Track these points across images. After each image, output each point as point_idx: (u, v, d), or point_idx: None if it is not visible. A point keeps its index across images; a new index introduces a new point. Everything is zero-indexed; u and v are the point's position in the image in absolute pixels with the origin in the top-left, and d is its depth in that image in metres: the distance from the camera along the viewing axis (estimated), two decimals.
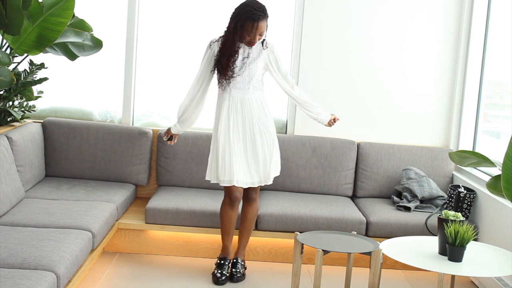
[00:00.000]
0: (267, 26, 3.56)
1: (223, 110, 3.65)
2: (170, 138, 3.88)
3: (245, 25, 3.48)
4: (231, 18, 3.57)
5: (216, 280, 3.69)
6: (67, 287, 2.94)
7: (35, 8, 3.81)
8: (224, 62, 3.57)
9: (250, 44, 3.58)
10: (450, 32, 4.67)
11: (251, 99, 3.66)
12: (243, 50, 3.63)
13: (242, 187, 3.69)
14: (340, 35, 4.65)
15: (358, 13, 4.64)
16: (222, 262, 3.75)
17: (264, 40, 3.66)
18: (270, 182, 3.76)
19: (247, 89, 3.64)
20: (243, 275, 3.79)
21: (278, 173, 3.82)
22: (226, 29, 3.60)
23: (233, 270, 3.76)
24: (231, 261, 3.80)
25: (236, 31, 3.52)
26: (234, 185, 3.63)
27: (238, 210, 3.83)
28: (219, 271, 3.71)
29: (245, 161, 3.65)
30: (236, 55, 3.59)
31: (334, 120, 3.92)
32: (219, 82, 3.66)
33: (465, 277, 4.03)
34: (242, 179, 3.63)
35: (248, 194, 3.78)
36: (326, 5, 4.61)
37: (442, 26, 4.67)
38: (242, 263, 3.81)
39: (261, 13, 3.48)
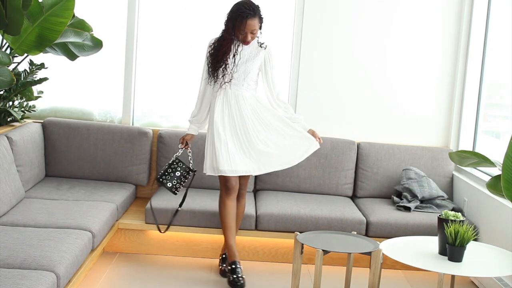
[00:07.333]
0: (260, 25, 3.64)
1: (217, 105, 3.69)
2: (187, 144, 3.87)
3: (236, 23, 3.58)
4: (227, 18, 3.66)
5: (241, 286, 3.60)
6: (67, 287, 2.94)
7: (35, 8, 3.81)
8: (220, 56, 3.64)
9: (244, 42, 3.65)
10: (450, 32, 4.67)
11: (244, 96, 3.71)
12: (239, 48, 3.69)
13: (237, 177, 3.72)
14: (341, 35, 4.65)
15: (358, 14, 4.64)
16: (233, 267, 3.66)
17: (262, 43, 3.74)
18: (287, 165, 3.75)
19: (241, 86, 3.71)
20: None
21: (310, 150, 3.81)
22: (223, 28, 3.68)
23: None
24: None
25: (229, 29, 3.62)
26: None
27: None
28: (235, 276, 3.62)
29: (241, 151, 3.67)
30: (231, 52, 3.65)
31: (316, 137, 3.86)
32: (214, 78, 3.69)
33: (465, 277, 4.03)
34: (241, 168, 3.65)
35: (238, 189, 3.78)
36: (326, 6, 4.61)
37: (442, 26, 4.67)
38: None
39: (250, 11, 3.56)
